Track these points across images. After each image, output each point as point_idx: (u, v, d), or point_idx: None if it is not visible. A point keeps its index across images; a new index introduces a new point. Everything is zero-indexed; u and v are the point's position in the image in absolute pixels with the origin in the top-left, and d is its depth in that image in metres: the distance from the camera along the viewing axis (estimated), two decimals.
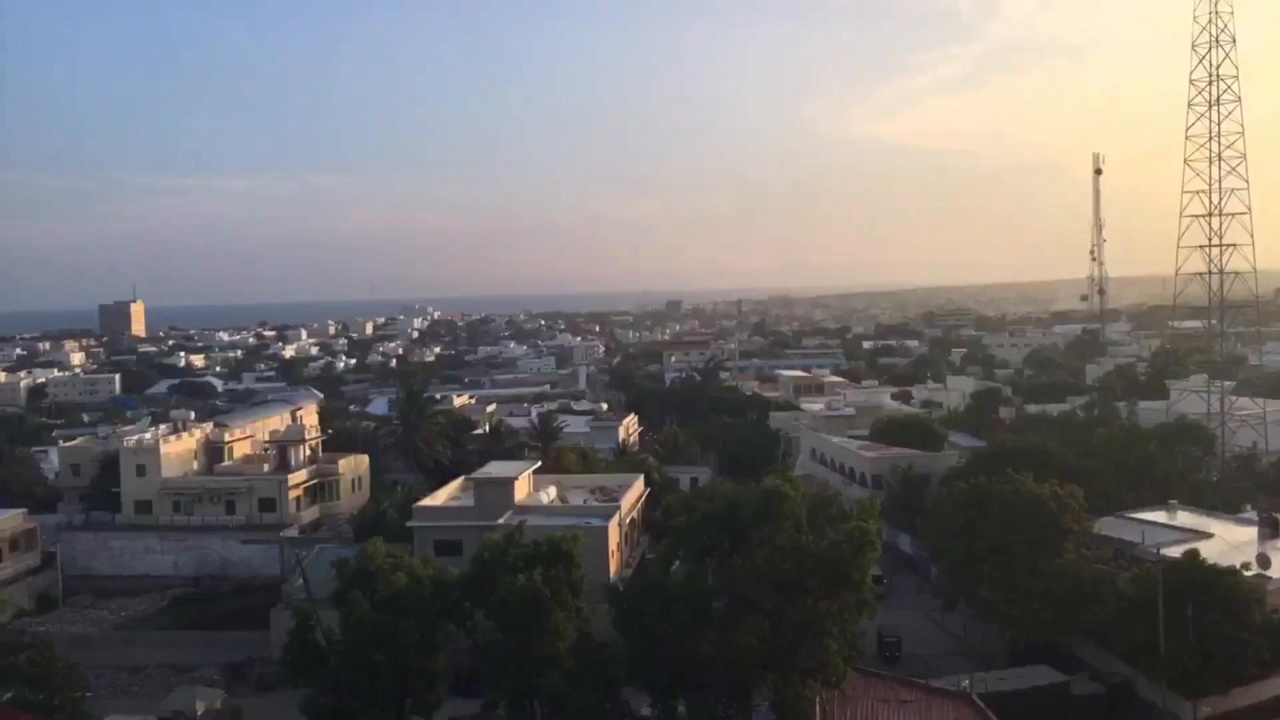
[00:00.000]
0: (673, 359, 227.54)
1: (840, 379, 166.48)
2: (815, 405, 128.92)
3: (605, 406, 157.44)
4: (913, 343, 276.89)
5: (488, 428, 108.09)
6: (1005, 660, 56.22)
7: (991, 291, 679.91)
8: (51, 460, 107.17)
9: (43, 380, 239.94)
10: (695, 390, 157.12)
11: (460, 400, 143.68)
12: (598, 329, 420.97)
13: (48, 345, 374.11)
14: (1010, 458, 67.50)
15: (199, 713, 45.73)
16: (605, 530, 61.34)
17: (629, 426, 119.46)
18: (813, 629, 38.78)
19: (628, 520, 68.29)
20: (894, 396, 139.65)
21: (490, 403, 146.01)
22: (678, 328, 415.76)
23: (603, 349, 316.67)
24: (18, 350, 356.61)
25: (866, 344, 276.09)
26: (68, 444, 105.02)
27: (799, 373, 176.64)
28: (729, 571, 40.24)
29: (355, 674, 43.14)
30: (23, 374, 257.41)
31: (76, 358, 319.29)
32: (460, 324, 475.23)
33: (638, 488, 74.09)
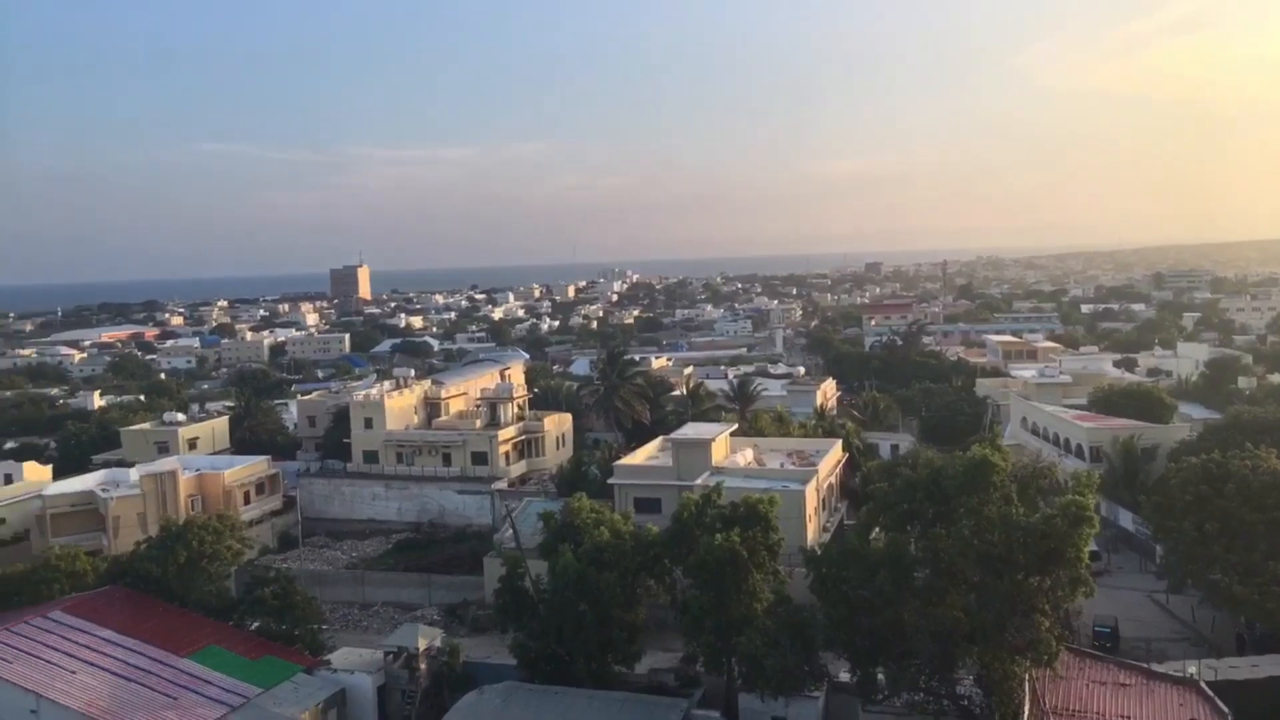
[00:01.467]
0: (872, 322, 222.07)
1: (1054, 344, 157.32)
2: (1027, 372, 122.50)
3: (802, 370, 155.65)
4: (1138, 306, 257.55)
5: (685, 389, 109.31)
6: (1233, 648, 52.07)
7: (1230, 250, 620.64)
8: (291, 412, 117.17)
9: (282, 339, 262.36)
10: (896, 355, 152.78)
11: (658, 362, 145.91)
12: (795, 292, 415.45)
13: (286, 307, 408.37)
14: (1249, 432, 61.90)
15: (420, 649, 49.10)
16: (802, 494, 61.04)
17: (826, 391, 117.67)
18: (1022, 605, 37.19)
19: (825, 485, 67.62)
20: (1116, 364, 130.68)
21: (687, 365, 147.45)
22: (878, 290, 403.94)
23: (800, 312, 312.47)
24: (261, 312, 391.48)
25: (1085, 307, 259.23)
26: (305, 398, 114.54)
27: (1009, 337, 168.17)
28: (932, 541, 39.13)
29: (561, 621, 45.21)
30: (265, 333, 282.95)
31: (311, 319, 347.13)
32: (658, 287, 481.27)
33: (835, 453, 73.14)
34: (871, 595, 38.21)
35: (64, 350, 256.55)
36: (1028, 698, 38.94)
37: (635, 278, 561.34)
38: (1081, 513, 37.22)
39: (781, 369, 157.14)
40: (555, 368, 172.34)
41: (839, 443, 75.81)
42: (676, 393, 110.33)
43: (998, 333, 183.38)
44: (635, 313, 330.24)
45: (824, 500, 67.25)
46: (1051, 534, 37.05)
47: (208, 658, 48.12)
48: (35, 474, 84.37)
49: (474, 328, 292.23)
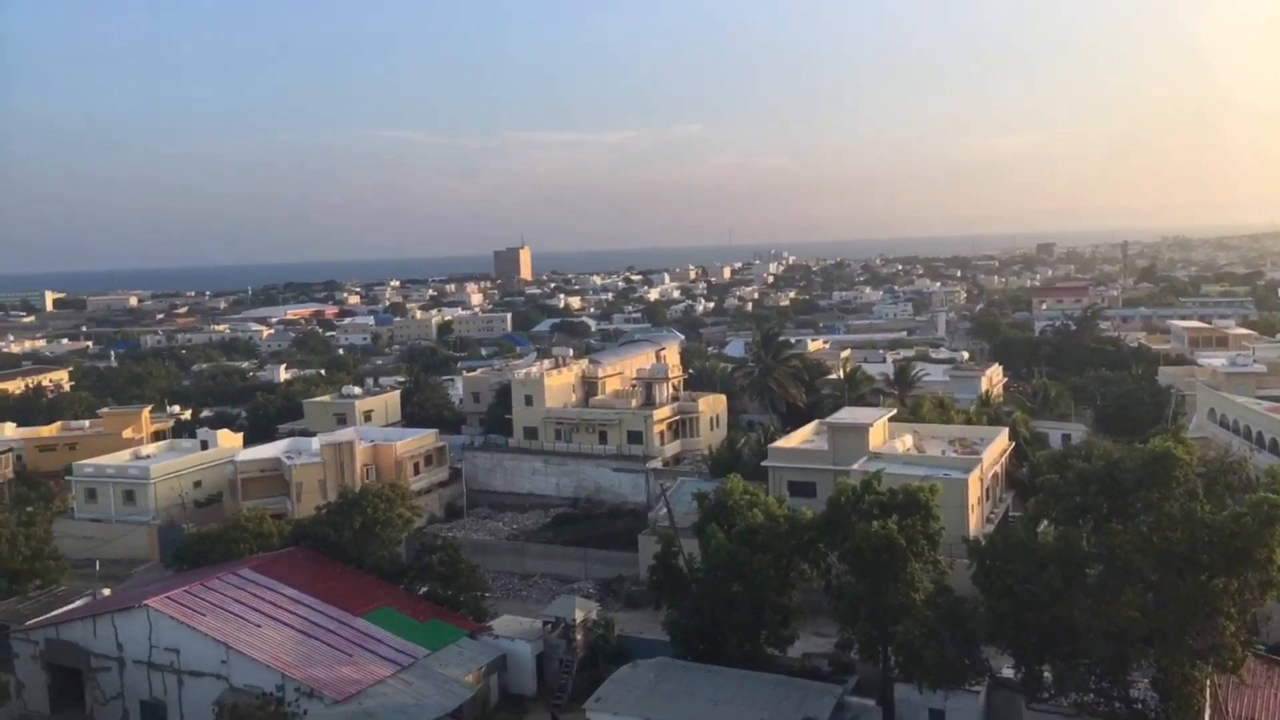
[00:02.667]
0: (1044, 306, 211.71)
1: (1248, 331, 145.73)
2: (1216, 360, 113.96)
3: (966, 355, 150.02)
4: None
5: (841, 373, 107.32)
6: None
7: None
8: (457, 388, 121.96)
9: (449, 318, 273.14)
10: (1069, 340, 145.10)
11: (814, 345, 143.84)
12: (959, 274, 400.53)
13: (453, 287, 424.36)
14: None
15: (577, 620, 50.45)
16: (965, 483, 59.07)
17: (992, 377, 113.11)
18: (1205, 607, 34.87)
19: (989, 474, 65.19)
20: None
21: (844, 348, 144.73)
22: (1050, 273, 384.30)
23: (964, 295, 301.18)
24: (430, 292, 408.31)
25: None
26: (469, 374, 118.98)
27: (1196, 323, 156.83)
28: (1107, 537, 37.12)
29: (714, 601, 45.46)
30: (434, 312, 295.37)
31: (476, 298, 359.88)
32: (814, 269, 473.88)
33: (1001, 441, 70.36)
34: (1039, 590, 36.64)
35: (254, 327, 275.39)
36: (1208, 705, 36.58)
37: (791, 259, 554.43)
38: (1274, 511, 34.57)
39: (944, 354, 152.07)
40: (710, 349, 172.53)
41: (1005, 431, 72.88)
42: (833, 376, 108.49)
43: (1183, 318, 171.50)
44: (791, 295, 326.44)
45: (988, 490, 64.86)
46: (1240, 533, 34.56)
47: (381, 618, 50.91)
48: (228, 441, 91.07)
49: (630, 308, 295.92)
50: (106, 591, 59.59)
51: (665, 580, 48.84)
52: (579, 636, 50.21)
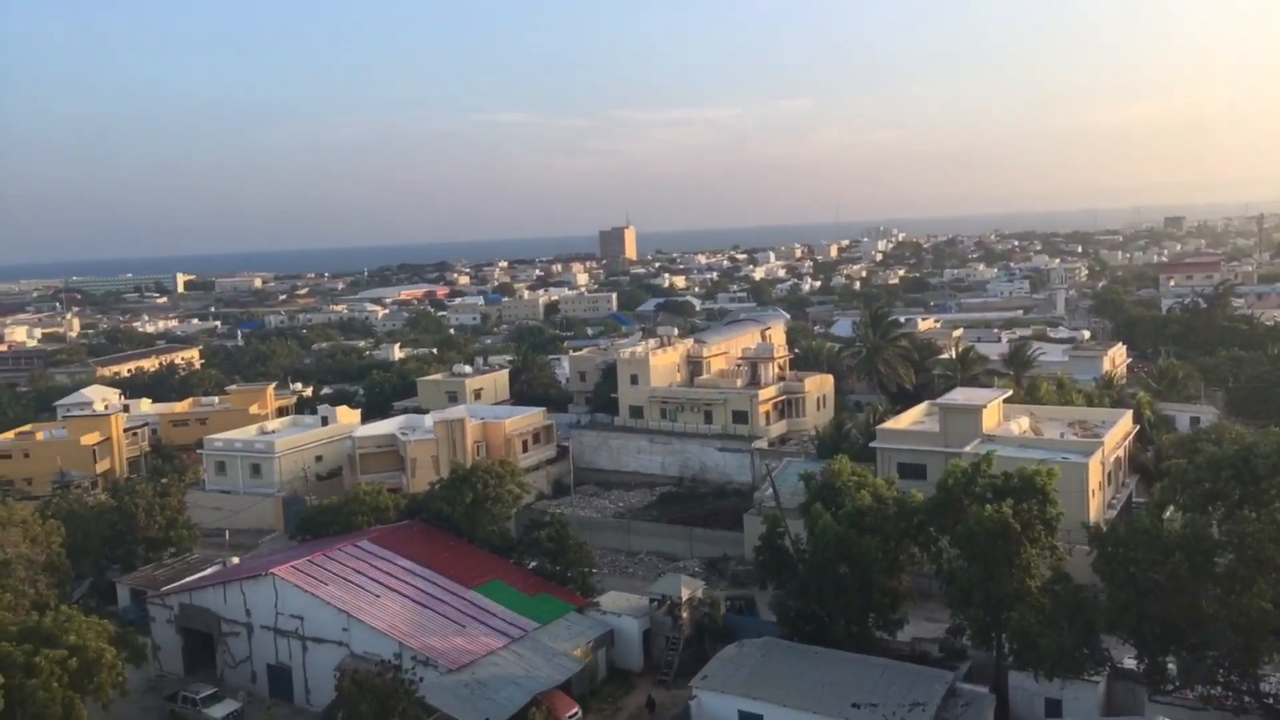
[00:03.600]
0: (1171, 282, 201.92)
1: None
2: None
3: (1087, 334, 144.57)
4: None
5: (954, 353, 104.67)
6: None
7: None
8: (563, 367, 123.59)
9: (556, 298, 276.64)
10: (1199, 318, 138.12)
11: (925, 324, 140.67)
12: (1079, 250, 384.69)
13: (559, 267, 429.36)
14: None
15: (684, 598, 50.78)
16: (1085, 467, 57.00)
17: (1115, 357, 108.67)
18: None
19: (1111, 459, 62.72)
20: None
21: (956, 327, 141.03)
22: (1178, 248, 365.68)
23: (1085, 271, 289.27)
24: (536, 272, 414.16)
25: None
26: (576, 354, 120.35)
27: None
28: (1239, 525, 35.35)
29: (821, 583, 45.10)
30: (541, 292, 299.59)
31: (582, 278, 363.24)
32: (925, 246, 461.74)
33: (1124, 424, 67.57)
34: (1164, 579, 35.19)
35: (369, 307, 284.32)
36: None
37: (901, 236, 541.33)
38: None
39: (1063, 333, 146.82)
40: (816, 328, 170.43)
41: (1128, 414, 69.96)
42: (944, 356, 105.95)
43: None
44: (900, 272, 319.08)
45: (1109, 475, 62.43)
46: None
47: (492, 591, 52.24)
48: (347, 417, 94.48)
49: (735, 287, 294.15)
50: (235, 560, 62.77)
51: (771, 560, 48.67)
52: (685, 614, 50.54)
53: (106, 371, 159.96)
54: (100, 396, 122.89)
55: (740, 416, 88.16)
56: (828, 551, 44.90)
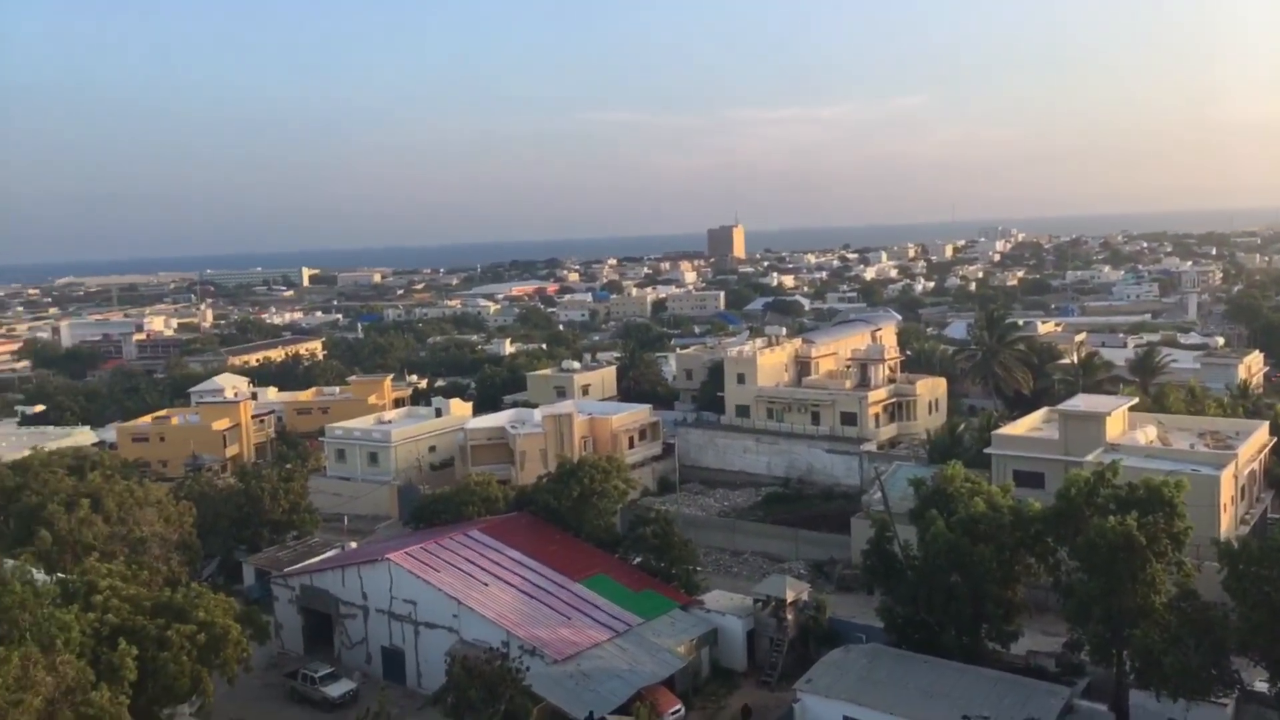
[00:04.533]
0: None
1: None
2: None
3: (1220, 341, 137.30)
4: None
5: (1075, 358, 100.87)
6: None
7: None
8: (670, 364, 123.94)
9: (663, 295, 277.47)
10: None
11: (1045, 327, 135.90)
12: (1213, 252, 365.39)
13: (667, 265, 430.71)
14: None
15: (789, 600, 50.38)
16: (1216, 480, 54.23)
17: (1251, 365, 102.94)
18: None
19: (1245, 472, 59.52)
20: None
21: (1079, 331, 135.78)
22: None
23: (1219, 275, 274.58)
24: (645, 269, 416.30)
25: None
26: (683, 352, 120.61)
27: None
28: None
29: (932, 590, 44.11)
30: (649, 290, 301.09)
31: (689, 276, 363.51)
32: (1046, 246, 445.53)
33: (1260, 436, 64.00)
34: None
35: (482, 302, 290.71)
36: None
37: (1020, 236, 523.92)
38: None
39: (1194, 339, 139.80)
40: (929, 330, 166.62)
41: (1265, 425, 66.22)
42: (1065, 361, 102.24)
43: None
44: (1019, 274, 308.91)
45: (1243, 489, 59.24)
46: None
47: (597, 585, 52.85)
48: (459, 410, 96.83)
49: (845, 287, 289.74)
50: (353, 544, 65.07)
51: (879, 565, 47.87)
52: (790, 616, 50.14)
53: (236, 360, 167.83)
54: (230, 384, 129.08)
55: (849, 418, 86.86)
56: (939, 559, 43.90)
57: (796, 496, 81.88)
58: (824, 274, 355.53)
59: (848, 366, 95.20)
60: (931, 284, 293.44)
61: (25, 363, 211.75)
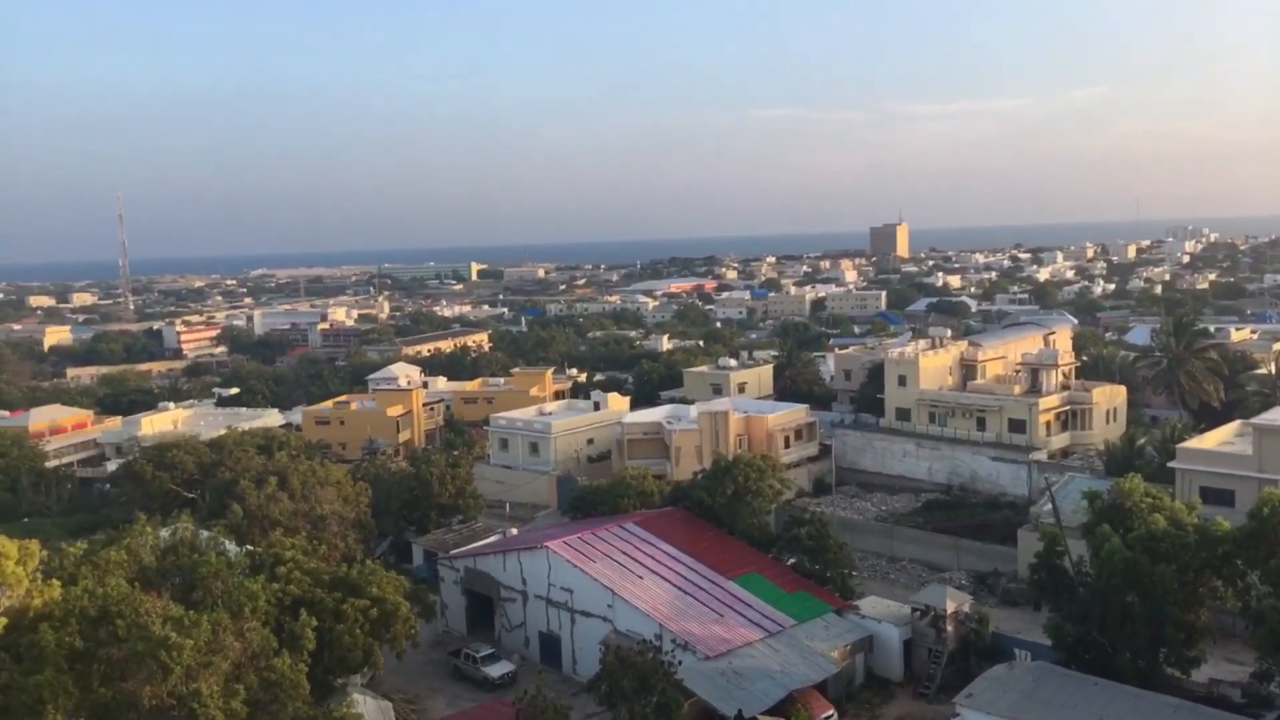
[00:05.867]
0: None
1: None
2: None
3: None
4: None
5: (1273, 368, 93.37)
6: None
7: None
8: (828, 364, 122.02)
9: (823, 294, 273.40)
10: None
11: (1238, 334, 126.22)
12: None
13: (827, 264, 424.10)
14: None
15: (949, 611, 48.85)
16: None
17: None
18: None
19: None
20: None
21: (1277, 339, 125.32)
22: None
23: None
24: (804, 268, 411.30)
25: None
26: (841, 352, 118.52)
27: None
28: None
29: (1105, 610, 41.89)
30: (807, 288, 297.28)
31: (850, 275, 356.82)
32: (1241, 247, 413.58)
33: None
34: None
35: (641, 298, 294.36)
36: None
37: (1213, 236, 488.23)
38: None
39: None
40: (1108, 335, 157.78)
41: None
42: (1261, 370, 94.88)
43: None
44: (1210, 276, 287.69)
45: None
46: None
47: (750, 583, 52.73)
48: (617, 404, 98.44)
49: (1016, 288, 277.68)
50: (514, 531, 67.28)
51: (1048, 581, 45.84)
52: (950, 627, 48.63)
53: (409, 351, 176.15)
54: (404, 373, 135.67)
55: (1017, 425, 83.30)
56: (1114, 577, 41.62)
57: (959, 504, 79.18)
58: (993, 274, 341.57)
59: (1017, 371, 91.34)
60: (1112, 286, 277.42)
61: (223, 348, 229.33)
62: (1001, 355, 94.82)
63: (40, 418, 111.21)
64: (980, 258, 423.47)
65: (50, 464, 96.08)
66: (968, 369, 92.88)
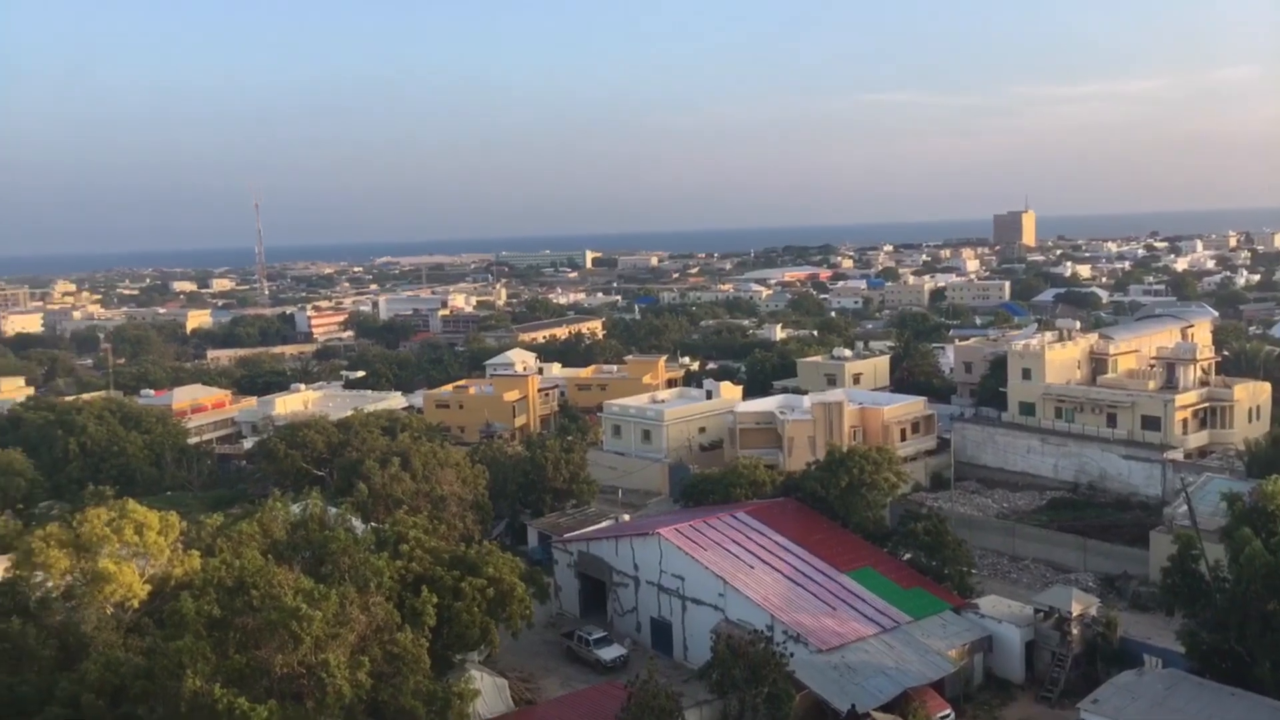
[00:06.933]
0: None
1: None
2: None
3: None
4: None
5: None
6: None
7: None
8: (947, 356, 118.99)
9: (942, 284, 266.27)
10: None
11: None
12: None
13: (948, 252, 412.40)
14: None
15: (1074, 613, 47.09)
16: None
17: None
18: None
19: None
20: None
21: None
22: None
23: None
24: (923, 257, 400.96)
25: None
26: (962, 343, 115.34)
27: None
28: None
29: (1244, 617, 39.73)
30: (926, 278, 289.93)
31: (971, 264, 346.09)
32: None
33: None
34: None
35: (754, 287, 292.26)
36: None
37: None
38: None
39: None
40: (1251, 329, 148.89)
41: None
42: None
43: None
44: None
45: None
46: None
47: (864, 578, 51.95)
48: (729, 393, 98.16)
49: (1151, 279, 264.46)
50: (626, 517, 67.95)
51: (1181, 585, 43.73)
52: (1075, 630, 46.92)
53: (526, 337, 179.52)
54: (520, 359, 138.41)
55: (1151, 422, 79.53)
56: (1254, 583, 39.35)
57: (1086, 503, 76.17)
58: (1126, 264, 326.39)
59: (1151, 366, 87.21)
60: (1256, 277, 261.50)
61: (350, 333, 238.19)
62: (1135, 349, 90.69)
63: (183, 397, 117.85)
64: (1112, 246, 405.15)
65: (191, 441, 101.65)
66: (1098, 363, 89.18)
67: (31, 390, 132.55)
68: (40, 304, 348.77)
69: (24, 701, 35.88)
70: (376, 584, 40.09)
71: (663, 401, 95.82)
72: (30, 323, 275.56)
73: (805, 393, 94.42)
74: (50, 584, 42.73)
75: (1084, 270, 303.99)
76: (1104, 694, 40.20)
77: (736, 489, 64.48)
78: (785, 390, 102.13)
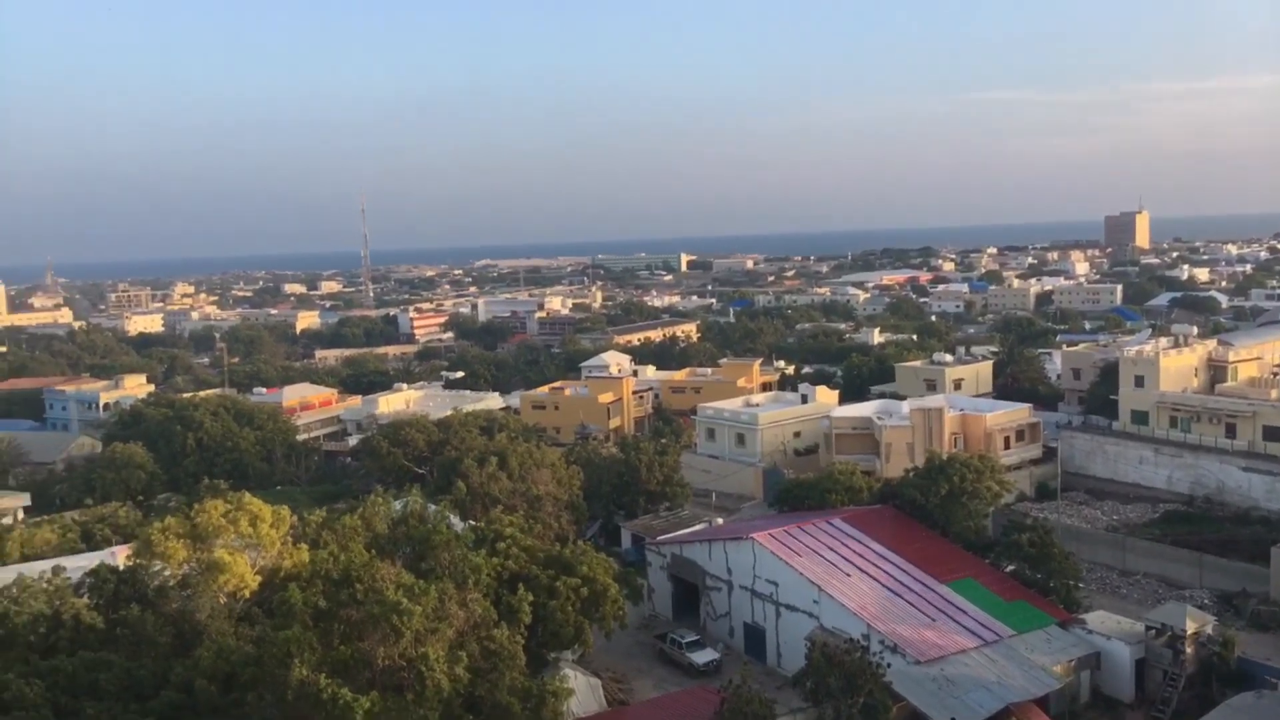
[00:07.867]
0: None
1: None
2: None
3: None
4: None
5: None
6: None
7: None
8: (1054, 362, 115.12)
9: (1049, 288, 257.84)
10: None
11: None
12: None
13: (1055, 255, 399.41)
14: None
15: (1188, 631, 45.03)
16: None
17: None
18: None
19: None
20: None
21: None
22: None
23: None
24: (1029, 259, 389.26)
25: None
26: (1070, 349, 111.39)
27: None
28: None
29: None
30: (1032, 281, 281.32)
31: (1081, 267, 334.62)
32: None
33: None
34: None
35: (851, 290, 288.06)
36: None
37: None
38: None
39: None
40: None
41: None
42: None
43: None
44: None
45: None
46: None
47: (965, 589, 50.66)
48: (825, 397, 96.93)
49: (1274, 283, 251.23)
50: (719, 520, 67.71)
51: None
52: (1189, 649, 44.86)
53: (620, 340, 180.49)
54: (615, 361, 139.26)
55: (1273, 433, 75.50)
56: None
57: (1202, 517, 72.77)
58: (1248, 267, 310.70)
59: (1274, 374, 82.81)
60: None
61: (450, 334, 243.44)
62: (1257, 356, 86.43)
63: (292, 395, 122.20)
64: (1233, 249, 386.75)
65: (300, 437, 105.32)
66: (1216, 370, 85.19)
67: (152, 387, 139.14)
68: (161, 305, 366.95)
69: (141, 685, 37.66)
70: (474, 581, 40.85)
71: (757, 405, 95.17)
72: (151, 323, 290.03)
73: (903, 398, 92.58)
74: (168, 573, 44.75)
75: (1202, 273, 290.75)
76: (1219, 715, 38.45)
77: (832, 495, 63.58)
78: (883, 395, 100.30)
